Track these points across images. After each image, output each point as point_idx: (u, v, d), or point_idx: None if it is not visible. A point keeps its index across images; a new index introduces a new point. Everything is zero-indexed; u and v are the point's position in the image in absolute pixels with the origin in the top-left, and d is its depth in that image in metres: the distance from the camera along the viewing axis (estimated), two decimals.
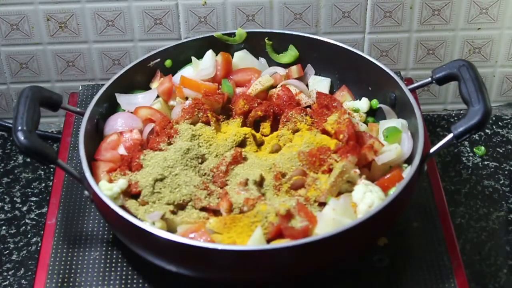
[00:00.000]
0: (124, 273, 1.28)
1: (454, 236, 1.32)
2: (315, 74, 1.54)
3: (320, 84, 1.52)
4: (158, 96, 1.47)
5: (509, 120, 1.87)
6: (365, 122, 1.44)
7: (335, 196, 1.24)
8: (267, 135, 1.40)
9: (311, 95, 1.50)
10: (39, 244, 1.39)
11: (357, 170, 1.26)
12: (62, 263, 1.30)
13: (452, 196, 1.68)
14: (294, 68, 1.53)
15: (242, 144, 1.36)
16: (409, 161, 1.30)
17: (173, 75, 1.50)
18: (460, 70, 1.31)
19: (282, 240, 1.17)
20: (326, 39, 1.51)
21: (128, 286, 1.26)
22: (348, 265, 1.27)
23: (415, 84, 1.41)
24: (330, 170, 1.27)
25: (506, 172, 1.73)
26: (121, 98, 1.44)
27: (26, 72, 1.81)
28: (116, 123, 1.40)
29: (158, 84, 1.49)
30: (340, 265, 1.26)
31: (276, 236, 1.19)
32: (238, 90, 1.48)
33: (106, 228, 1.35)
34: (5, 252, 1.60)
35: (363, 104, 1.46)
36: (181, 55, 1.52)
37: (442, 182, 1.42)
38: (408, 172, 1.25)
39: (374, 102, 1.45)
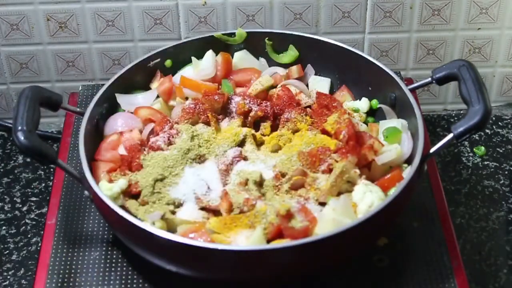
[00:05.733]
0: (124, 273, 1.28)
1: (454, 236, 1.32)
2: (315, 74, 1.54)
3: (320, 84, 1.52)
4: (158, 96, 1.47)
5: (509, 120, 1.87)
6: (365, 122, 1.44)
7: (335, 196, 1.24)
8: (267, 135, 1.40)
9: (311, 95, 1.50)
10: (39, 244, 1.39)
11: (357, 170, 1.26)
12: (62, 263, 1.30)
13: (452, 196, 1.68)
14: (294, 68, 1.53)
15: (242, 144, 1.36)
16: (409, 161, 1.30)
17: (173, 75, 1.50)
18: (460, 70, 1.31)
19: (282, 240, 1.17)
20: (326, 39, 1.51)
21: (128, 286, 1.26)
22: (348, 265, 1.27)
23: (415, 84, 1.41)
24: (330, 170, 1.27)
25: (506, 172, 1.73)
26: (121, 98, 1.44)
27: (26, 72, 1.81)
28: (116, 123, 1.40)
29: (158, 84, 1.49)
30: (340, 265, 1.26)
31: (276, 236, 1.19)
32: (238, 90, 1.48)
33: (106, 228, 1.35)
34: (5, 252, 1.60)
35: (363, 104, 1.46)
36: (181, 55, 1.52)
37: (442, 182, 1.42)
38: (408, 172, 1.25)
39: (374, 102, 1.45)
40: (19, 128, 1.21)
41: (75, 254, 1.31)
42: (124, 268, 1.29)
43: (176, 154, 1.31)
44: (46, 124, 1.89)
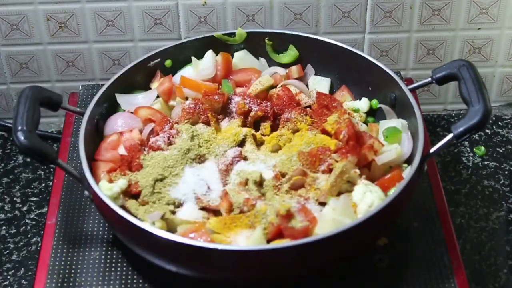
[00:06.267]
0: (124, 273, 1.28)
1: (454, 236, 1.32)
2: (315, 74, 1.54)
3: (320, 84, 1.52)
4: (158, 96, 1.47)
5: (509, 120, 1.87)
6: (365, 122, 1.44)
7: (335, 196, 1.24)
8: (267, 135, 1.40)
9: (311, 95, 1.50)
10: (39, 244, 1.39)
11: (357, 170, 1.26)
12: (62, 263, 1.30)
13: (452, 196, 1.68)
14: (294, 68, 1.53)
15: (242, 144, 1.36)
16: (409, 161, 1.30)
17: (173, 75, 1.50)
18: (460, 70, 1.31)
19: (282, 240, 1.17)
20: (326, 39, 1.51)
21: (128, 286, 1.26)
22: (348, 265, 1.27)
23: (415, 84, 1.41)
24: (330, 170, 1.27)
25: (506, 172, 1.73)
26: (121, 98, 1.44)
27: (26, 72, 1.81)
28: (116, 123, 1.40)
29: (158, 84, 1.49)
30: (340, 265, 1.26)
31: (276, 236, 1.19)
32: (238, 90, 1.48)
33: (106, 228, 1.35)
34: (5, 252, 1.60)
35: (363, 104, 1.46)
36: (181, 55, 1.52)
37: (442, 182, 1.42)
38: (408, 172, 1.25)
39: (374, 102, 1.45)
40: (19, 128, 1.21)
41: (75, 254, 1.31)
42: (124, 268, 1.29)
43: (176, 154, 1.31)
44: (46, 124, 1.89)
